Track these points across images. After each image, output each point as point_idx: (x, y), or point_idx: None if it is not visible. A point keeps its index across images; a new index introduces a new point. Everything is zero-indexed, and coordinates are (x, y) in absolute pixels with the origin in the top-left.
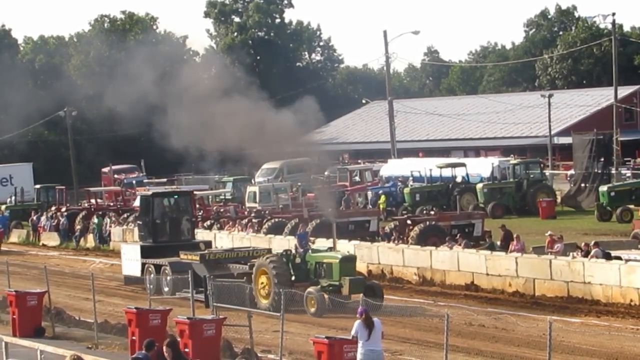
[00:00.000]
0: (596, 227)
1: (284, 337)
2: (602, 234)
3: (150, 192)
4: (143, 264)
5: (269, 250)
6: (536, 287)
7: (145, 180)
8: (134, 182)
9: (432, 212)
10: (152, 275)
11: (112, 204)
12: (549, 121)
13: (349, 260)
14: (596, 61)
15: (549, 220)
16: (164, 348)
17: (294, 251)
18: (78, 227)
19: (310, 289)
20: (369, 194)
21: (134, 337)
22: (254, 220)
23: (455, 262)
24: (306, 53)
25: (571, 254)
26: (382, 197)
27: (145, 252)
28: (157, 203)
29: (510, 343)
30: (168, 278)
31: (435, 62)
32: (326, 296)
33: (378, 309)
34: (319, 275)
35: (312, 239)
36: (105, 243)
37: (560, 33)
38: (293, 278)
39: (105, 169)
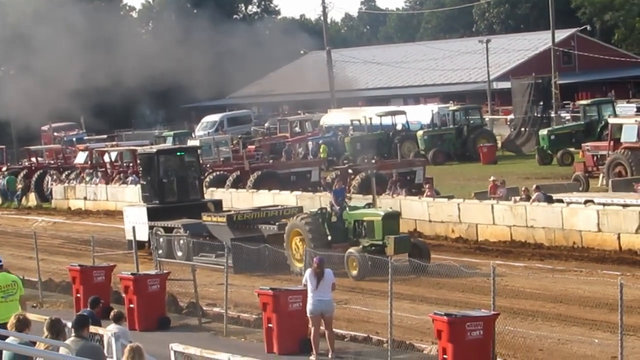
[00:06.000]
0: (537, 170)
1: (229, 289)
2: (543, 178)
3: (154, 150)
4: (151, 227)
5: (301, 209)
6: (479, 232)
7: (85, 137)
8: (74, 139)
9: (373, 161)
10: (161, 240)
11: (52, 162)
12: (487, 67)
13: (392, 217)
14: (533, 5)
15: (490, 165)
16: None
17: (329, 209)
18: (19, 186)
19: (351, 250)
20: (310, 144)
21: (78, 295)
22: None
23: (397, 209)
24: (243, 5)
25: (513, 198)
26: (323, 147)
27: (153, 215)
28: (162, 161)
29: (455, 289)
30: (182, 241)
31: (372, 10)
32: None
33: (424, 269)
34: (358, 235)
35: (349, 195)
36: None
37: None
38: (329, 239)
39: (45, 127)
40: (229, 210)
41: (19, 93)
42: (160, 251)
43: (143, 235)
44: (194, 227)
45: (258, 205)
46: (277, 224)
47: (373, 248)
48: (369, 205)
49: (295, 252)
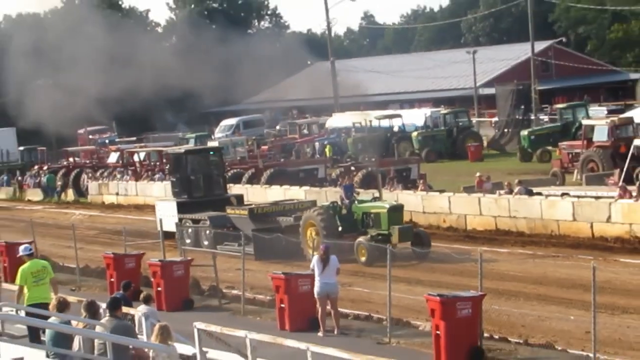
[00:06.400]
0: (519, 167)
1: (246, 274)
2: (524, 173)
3: (183, 150)
4: (180, 219)
5: (314, 203)
6: (467, 222)
7: (117, 140)
8: (106, 141)
9: (373, 159)
10: (190, 230)
11: (88, 161)
12: (474, 74)
13: (396, 210)
14: (515, 19)
15: (477, 162)
16: None
17: (339, 203)
18: (59, 183)
19: (360, 239)
20: (317, 144)
21: (112, 279)
22: None
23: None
24: (256, 21)
25: (497, 191)
26: (328, 147)
27: (182, 208)
28: (190, 160)
29: (446, 273)
30: (208, 232)
31: (371, 25)
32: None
33: (425, 256)
34: (366, 226)
35: (357, 190)
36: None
37: None
38: (340, 229)
39: (81, 130)
40: (250, 204)
41: (57, 100)
42: (188, 240)
43: (172, 226)
44: (218, 219)
45: (275, 200)
46: (293, 216)
47: (380, 237)
48: (375, 199)
49: (310, 241)
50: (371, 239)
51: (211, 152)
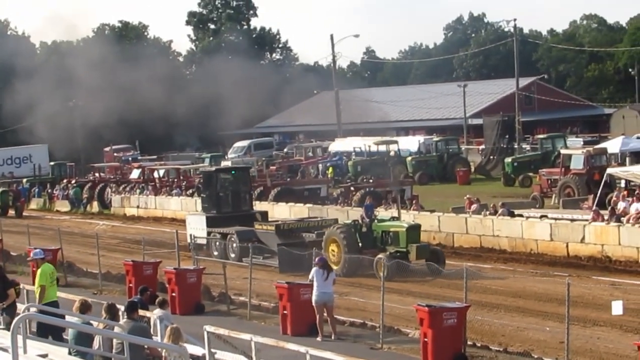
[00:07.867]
0: (502, 191)
1: (253, 282)
2: (507, 196)
3: (213, 168)
4: (208, 233)
5: (336, 220)
6: (455, 239)
7: (139, 157)
8: (130, 159)
9: (371, 180)
10: (217, 243)
11: (112, 176)
12: (464, 106)
13: (414, 229)
14: (502, 57)
15: (465, 185)
16: None
17: (360, 221)
18: (85, 195)
19: (380, 255)
20: (320, 166)
21: (130, 284)
22: None
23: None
24: (268, 53)
25: (483, 212)
26: (331, 169)
27: (211, 222)
28: (219, 178)
29: (435, 285)
30: (234, 245)
31: (372, 59)
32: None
33: (439, 273)
34: (385, 243)
35: (377, 210)
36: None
37: (473, 35)
38: (360, 245)
39: (107, 148)
40: (277, 220)
41: (86, 120)
42: (216, 253)
43: (202, 239)
44: (245, 234)
45: (300, 217)
46: (316, 232)
47: (398, 254)
48: (393, 219)
49: (332, 256)
50: (390, 256)
51: (239, 171)
